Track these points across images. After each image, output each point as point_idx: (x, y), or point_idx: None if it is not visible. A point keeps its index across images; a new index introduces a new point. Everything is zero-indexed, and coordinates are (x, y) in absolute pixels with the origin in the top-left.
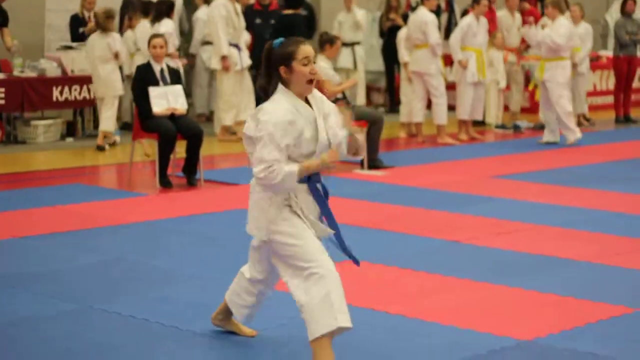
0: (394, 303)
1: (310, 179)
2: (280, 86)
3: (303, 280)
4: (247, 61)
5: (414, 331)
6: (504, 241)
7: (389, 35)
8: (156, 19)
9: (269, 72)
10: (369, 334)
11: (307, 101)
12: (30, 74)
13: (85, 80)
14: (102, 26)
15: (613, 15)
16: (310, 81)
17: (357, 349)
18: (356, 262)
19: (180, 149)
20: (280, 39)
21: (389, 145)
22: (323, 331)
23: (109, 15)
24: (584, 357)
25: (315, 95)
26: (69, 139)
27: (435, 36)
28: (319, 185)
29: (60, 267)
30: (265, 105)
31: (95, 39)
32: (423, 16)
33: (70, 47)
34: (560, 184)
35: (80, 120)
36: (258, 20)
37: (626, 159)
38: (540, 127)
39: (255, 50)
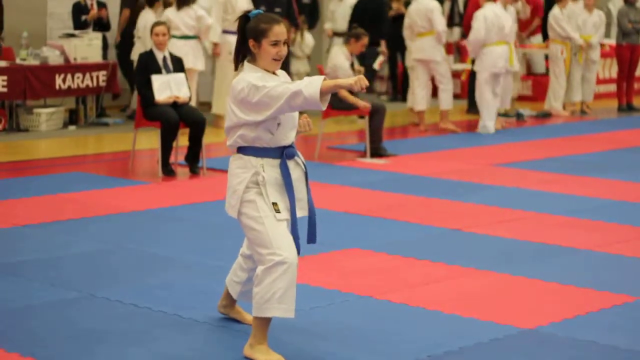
0: (397, 291)
1: (284, 152)
2: (246, 62)
3: (262, 264)
4: None
5: (416, 319)
6: (506, 229)
7: (392, 24)
8: (181, 4)
9: (242, 41)
10: (371, 323)
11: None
12: (33, 61)
13: (87, 68)
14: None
15: (616, 3)
16: (276, 60)
17: (359, 338)
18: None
19: (182, 137)
20: (258, 11)
21: (392, 134)
22: (266, 314)
23: None
24: (585, 346)
25: (279, 72)
26: (72, 127)
27: (442, 23)
28: (297, 160)
29: (62, 255)
30: (236, 78)
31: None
32: (428, 4)
33: (72, 35)
34: (562, 172)
35: (82, 108)
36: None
37: (628, 147)
38: (543, 116)
39: None
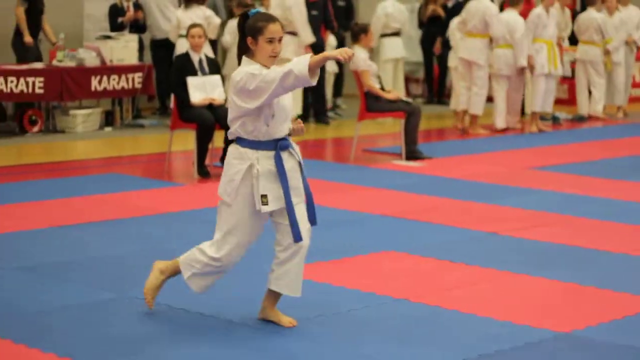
0: (432, 294)
1: (278, 144)
2: (244, 57)
3: (208, 244)
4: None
5: (451, 322)
6: (542, 233)
7: (428, 26)
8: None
9: (241, 37)
10: (406, 326)
11: None
12: (69, 63)
13: (123, 70)
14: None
15: None
16: (272, 57)
17: (395, 340)
18: (297, 238)
19: (217, 139)
20: (257, 10)
21: (428, 136)
22: (186, 279)
23: None
24: (622, 350)
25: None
26: (108, 129)
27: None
28: (291, 151)
29: (97, 255)
30: (234, 72)
31: None
32: (489, 6)
33: (109, 37)
34: (598, 175)
35: (118, 110)
36: (314, 12)
37: None
38: (579, 119)
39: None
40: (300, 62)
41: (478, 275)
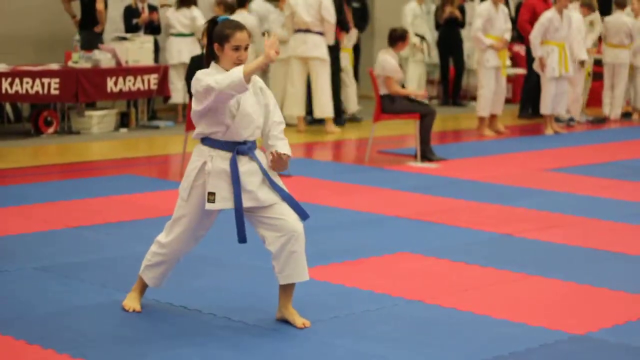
0: (446, 296)
1: (237, 147)
2: (212, 63)
3: (164, 228)
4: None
5: (465, 324)
6: (556, 235)
7: (445, 27)
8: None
9: (208, 43)
10: (421, 327)
11: None
12: (85, 64)
13: (139, 71)
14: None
15: None
16: (236, 64)
17: (409, 342)
18: (240, 240)
19: None
20: (225, 17)
21: (443, 138)
22: (140, 272)
23: None
24: (637, 353)
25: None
26: (123, 130)
27: (509, 31)
28: (252, 157)
29: (113, 256)
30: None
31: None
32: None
33: (124, 38)
34: (613, 177)
35: (134, 111)
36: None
37: None
38: (599, 121)
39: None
40: (236, 69)
41: (493, 277)
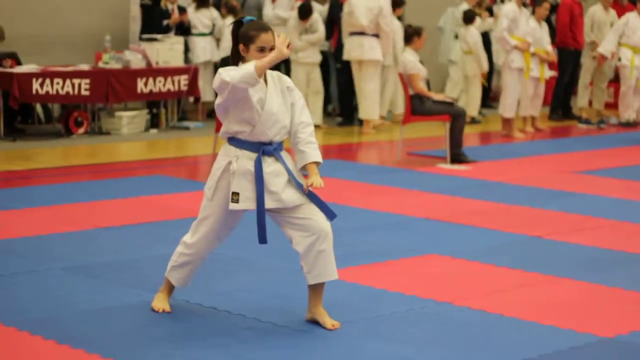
0: (475, 298)
1: (263, 148)
2: (240, 64)
3: (189, 233)
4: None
5: (494, 326)
6: (586, 237)
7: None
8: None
9: (234, 44)
10: (449, 329)
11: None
12: (115, 65)
13: (169, 72)
14: None
15: None
16: None
17: (437, 344)
18: (260, 240)
19: None
20: (251, 18)
21: (472, 140)
22: (166, 274)
23: None
24: None
25: (273, 73)
26: (153, 131)
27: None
28: (277, 158)
29: (142, 257)
30: None
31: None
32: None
33: (154, 39)
34: None
35: (164, 112)
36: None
37: None
38: (626, 124)
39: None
40: (250, 63)
41: (522, 279)
